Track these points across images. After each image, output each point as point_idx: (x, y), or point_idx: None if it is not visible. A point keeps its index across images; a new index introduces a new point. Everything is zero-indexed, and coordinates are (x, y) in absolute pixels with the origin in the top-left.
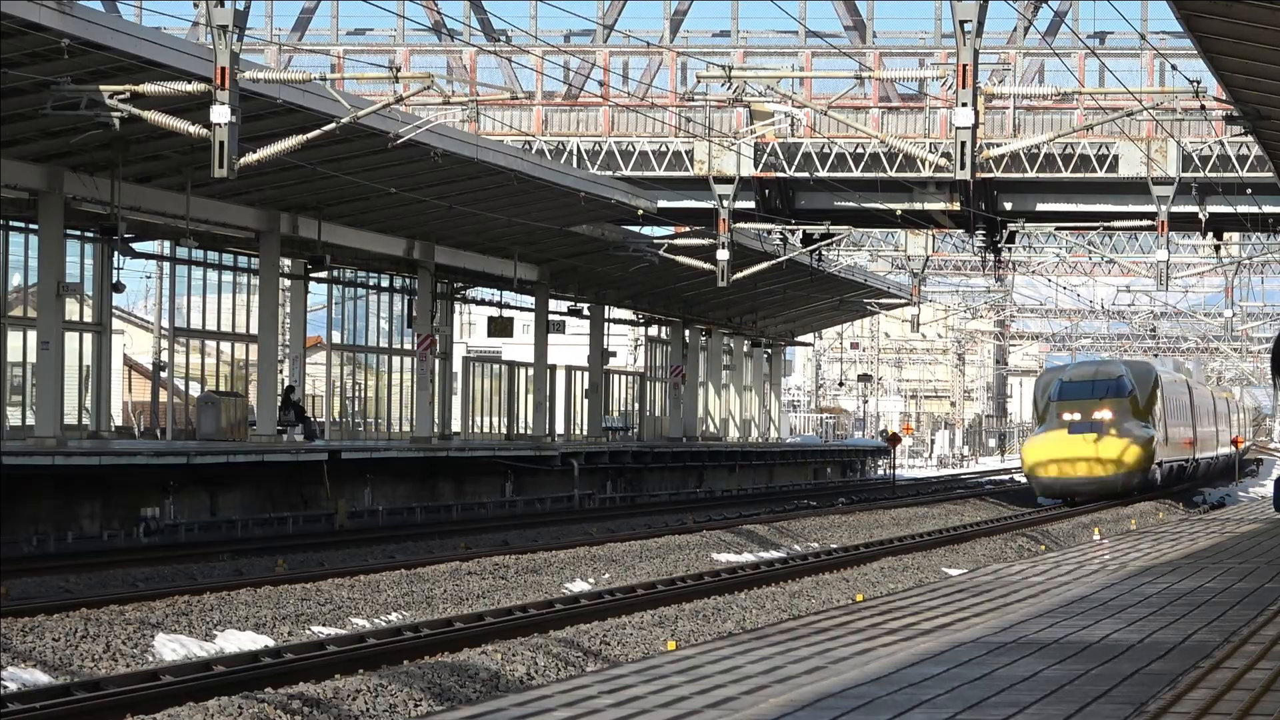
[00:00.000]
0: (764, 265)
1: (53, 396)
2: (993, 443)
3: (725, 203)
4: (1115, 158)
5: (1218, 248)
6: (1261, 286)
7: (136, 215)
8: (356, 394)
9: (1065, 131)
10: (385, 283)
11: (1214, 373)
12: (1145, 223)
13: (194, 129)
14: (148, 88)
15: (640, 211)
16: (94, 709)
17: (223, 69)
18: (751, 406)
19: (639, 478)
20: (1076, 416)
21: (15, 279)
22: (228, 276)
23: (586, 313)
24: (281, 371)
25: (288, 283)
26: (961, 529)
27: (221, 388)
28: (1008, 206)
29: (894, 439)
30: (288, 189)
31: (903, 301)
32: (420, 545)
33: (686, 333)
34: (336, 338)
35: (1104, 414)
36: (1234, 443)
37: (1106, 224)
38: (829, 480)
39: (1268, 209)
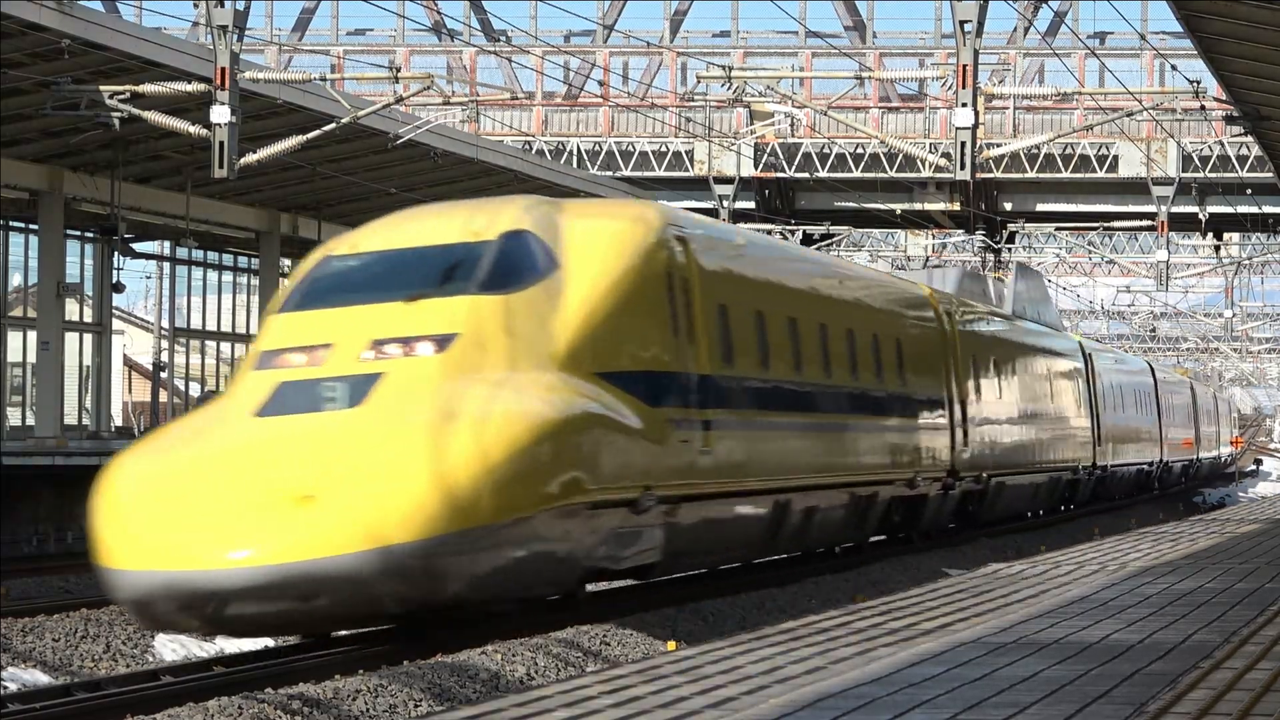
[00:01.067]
0: None
1: (53, 396)
2: None
3: (725, 203)
4: (1115, 158)
5: (1218, 248)
6: (1261, 286)
7: (136, 215)
8: None
9: (1065, 131)
10: None
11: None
12: (1145, 223)
13: (194, 129)
14: (148, 88)
15: None
16: (94, 709)
17: (223, 69)
18: None
19: None
20: (318, 363)
21: (15, 279)
22: (228, 277)
23: None
24: None
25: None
26: (962, 528)
27: (221, 388)
28: (1008, 206)
29: None
30: (288, 189)
31: None
32: None
33: None
34: None
35: (409, 349)
36: (1233, 443)
37: (1106, 224)
38: None
39: (1268, 209)
